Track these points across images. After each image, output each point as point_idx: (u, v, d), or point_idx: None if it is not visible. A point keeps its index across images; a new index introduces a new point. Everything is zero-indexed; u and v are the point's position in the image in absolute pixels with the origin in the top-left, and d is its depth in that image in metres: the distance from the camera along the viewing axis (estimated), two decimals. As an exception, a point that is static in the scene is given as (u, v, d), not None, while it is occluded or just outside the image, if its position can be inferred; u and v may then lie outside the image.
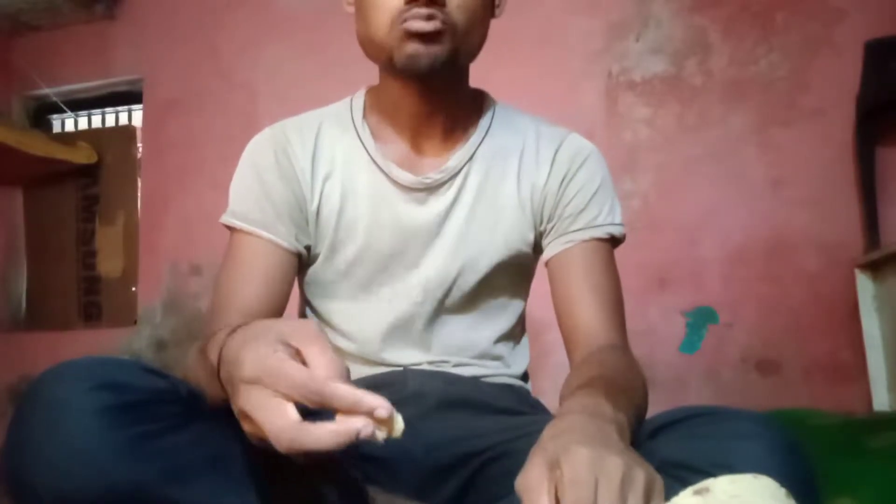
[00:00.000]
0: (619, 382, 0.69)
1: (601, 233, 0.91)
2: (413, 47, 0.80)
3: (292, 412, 0.50)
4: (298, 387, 0.50)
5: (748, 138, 2.04)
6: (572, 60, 2.18)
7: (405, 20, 0.79)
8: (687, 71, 2.11)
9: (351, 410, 0.50)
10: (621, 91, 2.14)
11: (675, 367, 1.98)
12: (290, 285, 0.90)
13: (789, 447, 0.58)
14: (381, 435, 0.51)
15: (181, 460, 0.55)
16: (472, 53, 0.88)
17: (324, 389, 0.50)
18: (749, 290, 1.98)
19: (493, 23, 0.91)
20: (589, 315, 0.86)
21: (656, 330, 2.01)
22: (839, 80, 1.96)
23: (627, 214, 2.13)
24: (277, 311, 0.87)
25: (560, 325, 0.90)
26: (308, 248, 0.92)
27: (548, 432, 0.57)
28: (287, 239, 0.88)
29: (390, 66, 0.84)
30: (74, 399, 0.54)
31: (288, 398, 0.50)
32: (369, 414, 0.50)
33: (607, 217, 0.92)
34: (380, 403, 0.50)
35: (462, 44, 0.83)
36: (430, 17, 0.79)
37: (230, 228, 0.90)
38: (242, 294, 0.84)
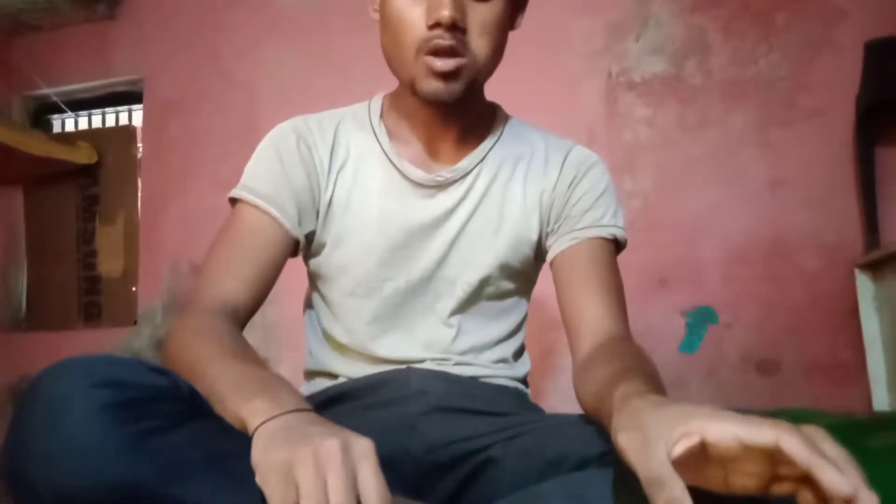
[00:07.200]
0: (647, 370, 0.70)
1: (605, 233, 0.93)
2: (434, 85, 0.83)
3: None
4: None
5: (748, 138, 2.04)
6: (572, 60, 2.18)
7: (428, 52, 0.81)
8: (687, 71, 2.11)
9: None
10: (621, 91, 2.14)
11: (675, 367, 1.98)
12: (281, 268, 0.91)
13: None
14: None
15: (182, 458, 0.55)
16: (490, 74, 0.90)
17: None
18: (749, 290, 1.98)
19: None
20: (596, 308, 0.87)
21: (656, 330, 2.01)
22: (839, 80, 1.97)
23: (627, 214, 2.13)
24: (265, 290, 0.89)
25: (565, 319, 0.91)
26: (310, 237, 0.94)
27: (647, 411, 0.55)
28: (291, 222, 0.90)
29: (411, 88, 0.86)
30: (75, 396, 0.54)
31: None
32: None
33: (612, 219, 0.95)
34: None
35: (481, 72, 0.86)
36: (451, 52, 0.81)
37: (235, 203, 0.92)
38: (239, 265, 0.86)
